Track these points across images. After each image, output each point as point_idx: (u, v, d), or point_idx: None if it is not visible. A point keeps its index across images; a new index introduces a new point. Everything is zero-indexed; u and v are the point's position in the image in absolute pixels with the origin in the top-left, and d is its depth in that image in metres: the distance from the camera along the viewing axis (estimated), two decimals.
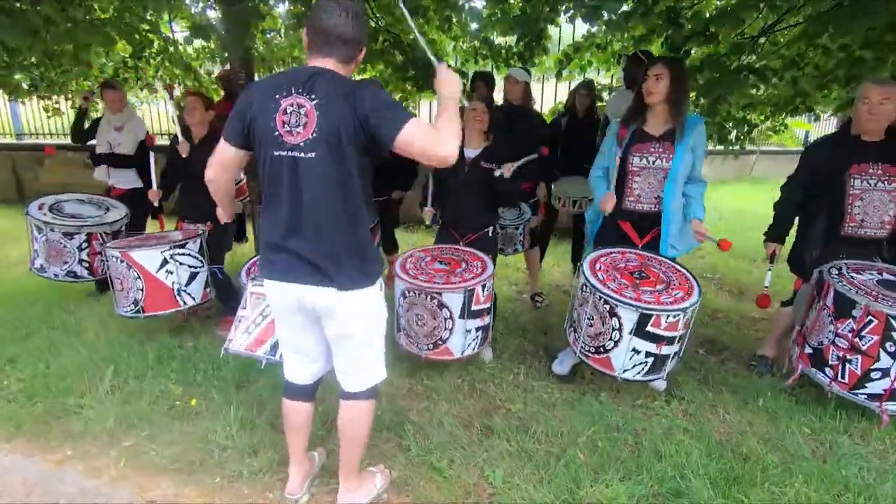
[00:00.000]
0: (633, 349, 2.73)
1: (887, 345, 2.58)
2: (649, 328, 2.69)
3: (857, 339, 2.67)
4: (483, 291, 3.02)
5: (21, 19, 3.02)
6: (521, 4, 4.35)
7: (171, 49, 5.55)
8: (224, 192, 2.14)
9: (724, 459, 2.44)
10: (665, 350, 2.73)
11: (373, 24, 4.57)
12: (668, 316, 2.67)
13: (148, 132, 4.75)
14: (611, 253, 3.07)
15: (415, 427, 2.67)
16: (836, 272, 2.87)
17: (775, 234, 3.19)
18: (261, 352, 2.46)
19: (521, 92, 4.13)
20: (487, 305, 3.09)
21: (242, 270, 3.48)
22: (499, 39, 5.03)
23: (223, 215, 2.53)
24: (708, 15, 3.88)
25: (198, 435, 2.65)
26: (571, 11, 4.27)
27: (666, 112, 2.89)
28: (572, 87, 4.74)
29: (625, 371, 2.76)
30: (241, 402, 2.86)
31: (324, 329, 2.04)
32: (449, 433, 2.62)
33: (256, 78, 4.80)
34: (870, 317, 2.61)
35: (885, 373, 2.61)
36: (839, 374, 2.75)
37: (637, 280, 2.87)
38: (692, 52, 4.07)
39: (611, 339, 2.76)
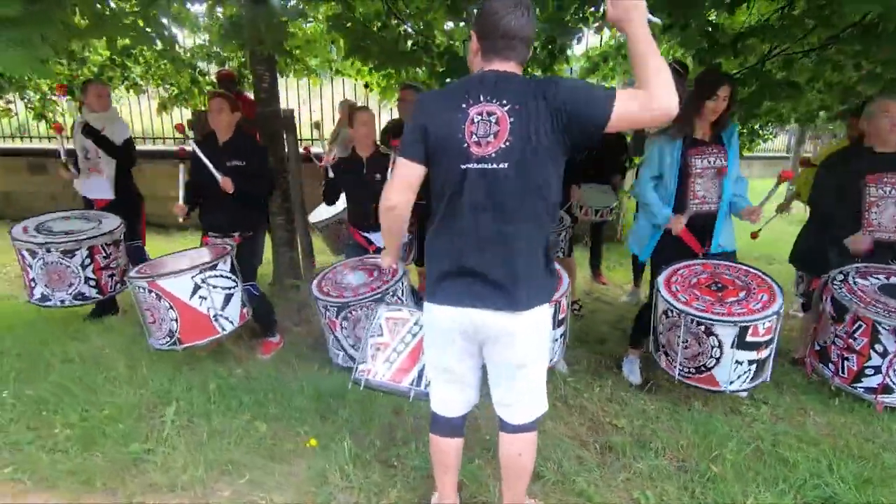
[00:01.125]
0: (736, 361, 2.75)
1: (876, 346, 2.84)
2: (749, 338, 2.71)
3: (850, 340, 2.92)
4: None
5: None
6: (549, 11, 4.31)
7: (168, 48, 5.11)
8: (403, 221, 1.86)
9: (850, 462, 2.50)
10: (765, 353, 2.78)
11: (399, 26, 4.40)
12: (764, 322, 2.73)
13: (182, 147, 4.34)
14: (678, 270, 3.09)
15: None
16: (841, 279, 3.10)
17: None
18: (406, 382, 2.26)
19: None
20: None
21: (313, 284, 3.22)
22: None
23: (391, 259, 2.24)
24: (737, 30, 4.04)
25: (306, 477, 2.41)
26: (599, 22, 4.32)
27: (714, 121, 3.00)
28: None
29: (731, 383, 2.78)
30: (337, 435, 2.65)
31: (491, 357, 1.88)
32: (575, 455, 2.54)
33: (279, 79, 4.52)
34: (859, 322, 2.87)
35: (877, 370, 2.88)
36: (839, 370, 2.99)
37: (718, 293, 2.91)
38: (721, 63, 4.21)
39: (711, 356, 2.78)
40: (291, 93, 7.28)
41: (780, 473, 2.42)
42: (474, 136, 1.65)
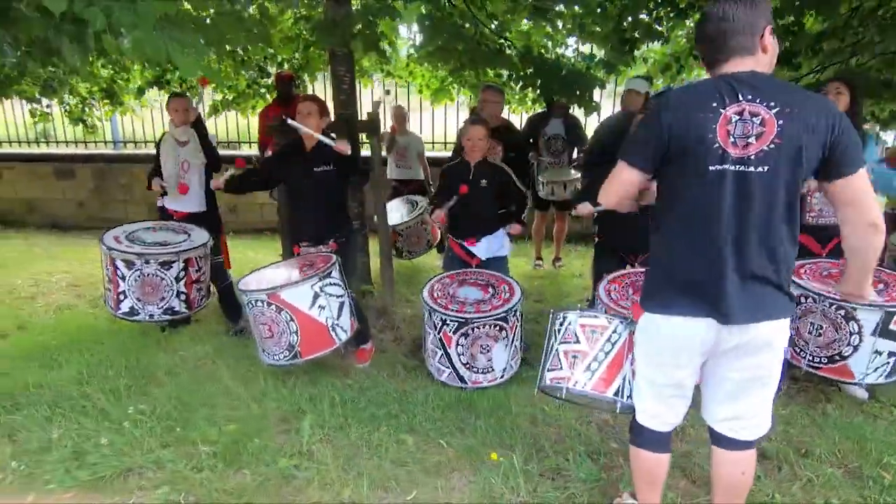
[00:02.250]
0: (876, 351, 2.69)
1: None
2: (892, 326, 2.65)
3: None
4: None
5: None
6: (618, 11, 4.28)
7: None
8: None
9: None
10: None
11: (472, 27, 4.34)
12: None
13: (238, 157, 4.23)
14: (804, 264, 3.09)
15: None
16: None
17: None
18: (610, 393, 2.18)
19: (644, 104, 4.13)
20: None
21: (424, 293, 3.15)
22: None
23: None
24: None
25: (474, 493, 2.33)
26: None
27: None
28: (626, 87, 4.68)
29: (866, 375, 2.74)
30: (482, 448, 2.58)
31: (730, 370, 1.79)
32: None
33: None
34: None
35: None
36: None
37: None
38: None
39: (849, 344, 2.73)
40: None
41: None
42: (731, 137, 1.60)
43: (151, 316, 3.51)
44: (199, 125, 4.04)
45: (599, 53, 4.94)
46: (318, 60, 5.11)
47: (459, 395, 3.02)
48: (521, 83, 4.22)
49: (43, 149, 8.11)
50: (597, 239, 3.48)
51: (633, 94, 4.12)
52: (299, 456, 2.52)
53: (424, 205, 5.01)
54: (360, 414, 2.83)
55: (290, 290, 2.97)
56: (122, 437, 2.60)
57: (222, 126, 7.74)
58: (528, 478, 2.38)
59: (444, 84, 5.99)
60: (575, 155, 5.13)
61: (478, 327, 2.95)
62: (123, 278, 3.41)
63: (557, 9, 3.94)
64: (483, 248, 3.49)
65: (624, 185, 1.77)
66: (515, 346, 3.14)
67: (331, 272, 3.13)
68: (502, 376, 3.09)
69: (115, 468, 2.39)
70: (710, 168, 1.62)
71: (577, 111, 4.77)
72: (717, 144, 1.60)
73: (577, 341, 2.26)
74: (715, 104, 1.61)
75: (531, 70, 3.93)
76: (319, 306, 3.06)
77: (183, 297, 3.56)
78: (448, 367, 3.06)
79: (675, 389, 1.87)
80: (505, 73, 4.41)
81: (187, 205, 4.02)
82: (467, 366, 3.03)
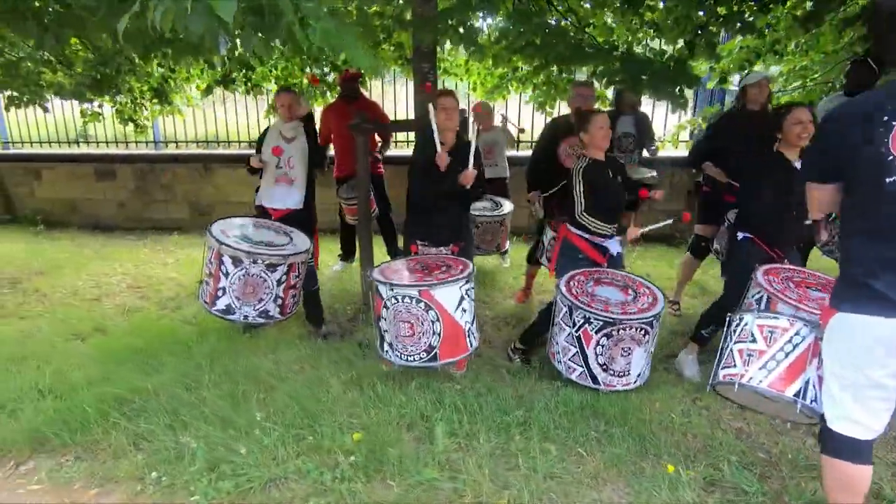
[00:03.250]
0: None
1: None
2: None
3: None
4: None
5: None
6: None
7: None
8: None
9: None
10: None
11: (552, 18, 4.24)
12: None
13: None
14: None
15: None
16: None
17: None
18: (789, 392, 2.10)
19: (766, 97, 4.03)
20: None
21: (561, 286, 3.05)
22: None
23: None
24: None
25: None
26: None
27: None
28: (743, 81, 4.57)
29: None
30: (630, 454, 2.48)
31: None
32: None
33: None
34: None
35: None
36: None
37: None
38: None
39: None
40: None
41: None
42: None
43: (246, 317, 3.43)
44: (309, 122, 3.96)
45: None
46: (388, 58, 5.01)
47: (582, 400, 2.91)
48: (605, 79, 4.11)
49: (83, 149, 8.01)
50: (740, 235, 3.35)
51: (754, 89, 3.96)
52: (439, 466, 2.42)
53: (510, 207, 4.93)
54: (489, 421, 2.73)
55: (443, 289, 2.89)
56: (255, 445, 2.49)
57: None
58: (691, 489, 2.29)
59: (502, 82, 5.91)
60: (644, 153, 5.04)
61: (624, 329, 2.85)
62: (227, 274, 3.32)
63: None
64: (615, 244, 3.38)
65: (821, 201, 1.92)
66: (650, 353, 3.05)
67: (472, 275, 3.06)
68: (636, 382, 3.00)
69: (257, 479, 2.29)
70: (888, 180, 1.66)
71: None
72: (891, 157, 1.64)
73: (754, 340, 2.19)
74: (886, 118, 1.65)
75: (619, 65, 3.82)
76: (462, 309, 2.98)
77: (279, 301, 3.48)
78: (581, 366, 2.96)
79: (876, 390, 1.80)
80: (587, 69, 4.31)
81: (287, 201, 3.94)
82: (604, 367, 2.93)
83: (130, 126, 6.29)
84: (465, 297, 2.97)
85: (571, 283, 3.10)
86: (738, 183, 3.50)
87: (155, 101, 6.23)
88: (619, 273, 3.28)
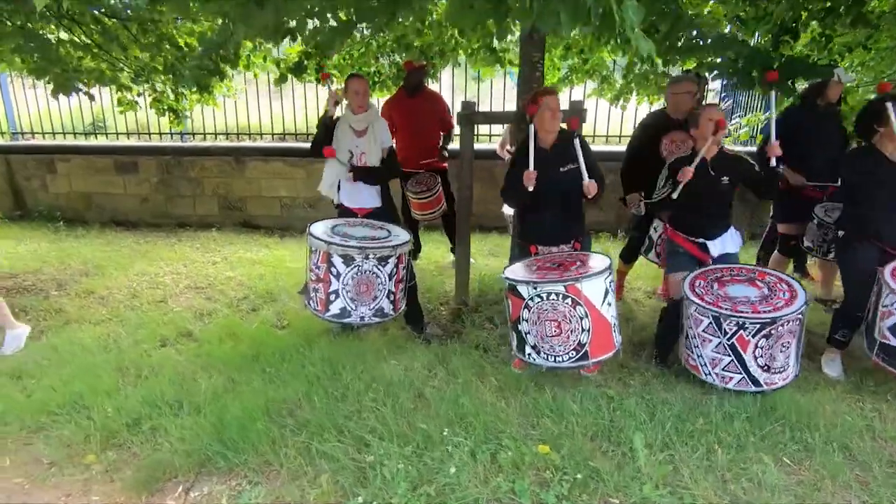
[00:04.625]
0: None
1: None
2: None
3: None
4: None
5: None
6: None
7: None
8: None
9: None
10: None
11: None
12: None
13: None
14: None
15: None
16: None
17: None
18: None
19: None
20: None
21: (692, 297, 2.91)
22: None
23: None
24: None
25: None
26: None
27: None
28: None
29: None
30: (844, 464, 2.37)
31: None
32: None
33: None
34: None
35: None
36: None
37: None
38: None
39: None
40: None
41: None
42: None
43: (362, 318, 3.22)
44: (391, 154, 3.72)
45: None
46: (465, 46, 4.77)
47: (751, 403, 2.79)
48: (714, 72, 3.99)
49: (101, 140, 7.53)
50: (841, 234, 3.30)
51: (836, 86, 3.97)
52: (652, 481, 2.26)
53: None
54: (679, 430, 2.57)
55: (589, 282, 2.72)
56: (454, 463, 2.28)
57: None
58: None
59: (569, 74, 5.73)
60: None
61: (782, 325, 2.74)
62: (338, 276, 3.11)
63: None
64: (718, 244, 3.27)
65: None
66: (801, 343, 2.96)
67: (612, 268, 2.90)
68: (794, 374, 2.91)
69: (474, 500, 2.09)
70: None
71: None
72: None
73: None
74: None
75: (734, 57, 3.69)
76: (608, 303, 2.83)
77: (392, 297, 3.28)
78: (739, 373, 2.84)
79: None
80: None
81: (366, 200, 3.70)
82: (765, 368, 2.81)
83: (165, 116, 5.90)
84: (609, 289, 2.82)
85: (695, 289, 2.96)
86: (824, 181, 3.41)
87: (194, 91, 5.85)
88: (733, 267, 3.17)
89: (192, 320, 4.01)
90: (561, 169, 3.13)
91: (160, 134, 7.34)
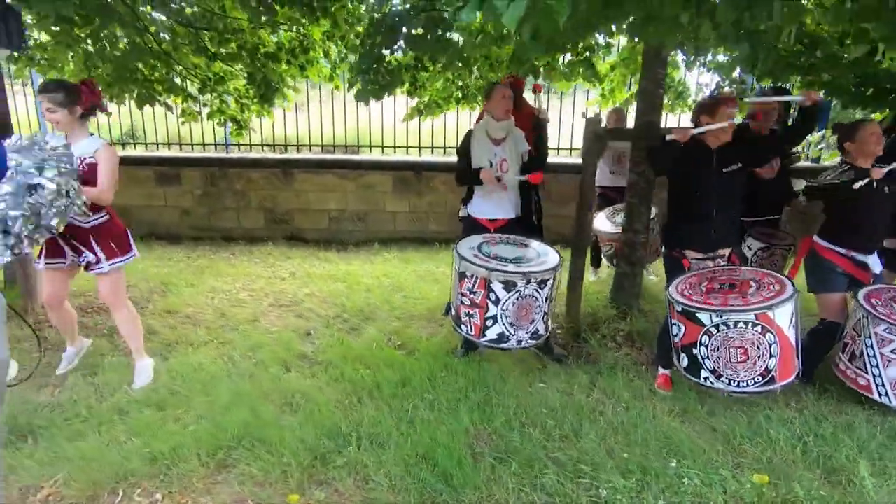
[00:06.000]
0: None
1: None
2: None
3: None
4: None
5: None
6: None
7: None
8: None
9: None
10: None
11: None
12: None
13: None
14: None
15: None
16: None
17: None
18: None
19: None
20: None
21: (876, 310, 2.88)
22: None
23: None
24: None
25: None
26: None
27: None
28: None
29: None
30: None
31: None
32: None
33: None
34: None
35: None
36: None
37: None
38: None
39: None
40: None
41: None
42: None
43: (520, 342, 3.13)
44: (539, 123, 3.63)
45: None
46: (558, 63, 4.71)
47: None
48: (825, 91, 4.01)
49: (140, 150, 7.27)
50: None
51: None
52: None
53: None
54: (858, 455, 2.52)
55: (781, 309, 2.66)
56: (688, 496, 2.19)
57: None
58: None
59: (633, 95, 5.75)
60: None
61: None
62: (498, 301, 3.01)
63: None
64: (875, 260, 3.25)
65: None
66: None
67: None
68: None
69: None
70: None
71: None
72: None
73: None
74: None
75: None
76: (793, 326, 2.76)
77: (546, 318, 3.19)
78: None
79: None
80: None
81: (504, 209, 3.61)
82: None
83: (225, 126, 5.72)
84: (794, 311, 2.77)
85: (876, 308, 2.92)
86: None
87: (256, 101, 5.68)
88: None
89: (299, 341, 3.83)
90: (724, 169, 3.09)
91: (203, 145, 7.11)
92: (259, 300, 4.67)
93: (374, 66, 3.31)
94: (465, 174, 3.57)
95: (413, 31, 3.17)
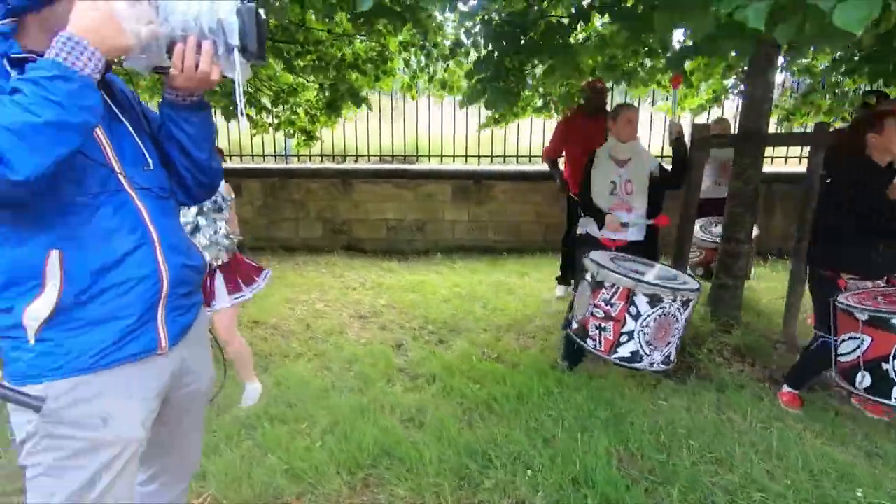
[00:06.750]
0: None
1: None
2: None
3: None
4: None
5: None
6: None
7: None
8: None
9: None
10: None
11: None
12: None
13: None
14: None
15: None
16: None
17: None
18: None
19: None
20: None
21: None
22: None
23: None
24: None
25: None
26: None
27: None
28: None
29: None
30: None
31: None
32: None
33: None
34: None
35: None
36: None
37: None
38: None
39: None
40: None
41: None
42: None
43: (652, 364, 2.96)
44: (680, 144, 3.45)
45: None
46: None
47: None
48: None
49: None
50: None
51: None
52: None
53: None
54: None
55: None
56: None
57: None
58: None
59: (708, 100, 5.64)
60: None
61: None
62: (638, 316, 2.85)
63: None
64: None
65: None
66: None
67: None
68: None
69: None
70: None
71: None
72: None
73: None
74: None
75: None
76: None
77: (679, 344, 3.05)
78: None
79: None
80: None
81: (633, 232, 3.45)
82: None
83: (294, 138, 5.69)
84: None
85: None
86: None
87: (325, 112, 5.65)
88: None
89: (392, 355, 3.72)
90: None
91: (263, 156, 7.10)
92: (338, 311, 4.59)
93: (497, 70, 3.21)
94: (590, 208, 3.46)
95: (534, 37, 3.08)
